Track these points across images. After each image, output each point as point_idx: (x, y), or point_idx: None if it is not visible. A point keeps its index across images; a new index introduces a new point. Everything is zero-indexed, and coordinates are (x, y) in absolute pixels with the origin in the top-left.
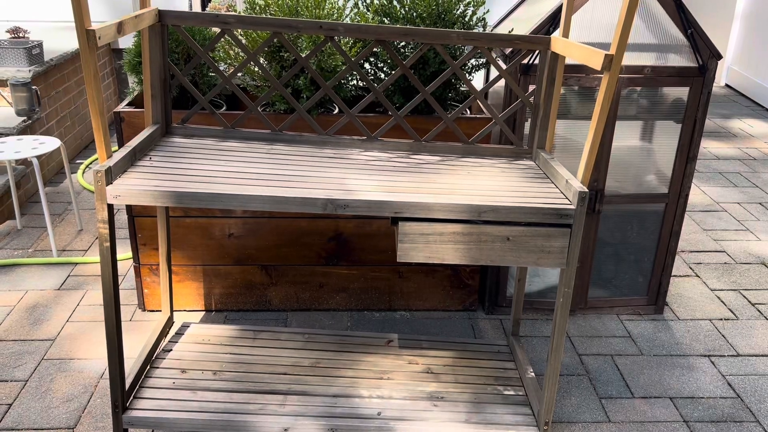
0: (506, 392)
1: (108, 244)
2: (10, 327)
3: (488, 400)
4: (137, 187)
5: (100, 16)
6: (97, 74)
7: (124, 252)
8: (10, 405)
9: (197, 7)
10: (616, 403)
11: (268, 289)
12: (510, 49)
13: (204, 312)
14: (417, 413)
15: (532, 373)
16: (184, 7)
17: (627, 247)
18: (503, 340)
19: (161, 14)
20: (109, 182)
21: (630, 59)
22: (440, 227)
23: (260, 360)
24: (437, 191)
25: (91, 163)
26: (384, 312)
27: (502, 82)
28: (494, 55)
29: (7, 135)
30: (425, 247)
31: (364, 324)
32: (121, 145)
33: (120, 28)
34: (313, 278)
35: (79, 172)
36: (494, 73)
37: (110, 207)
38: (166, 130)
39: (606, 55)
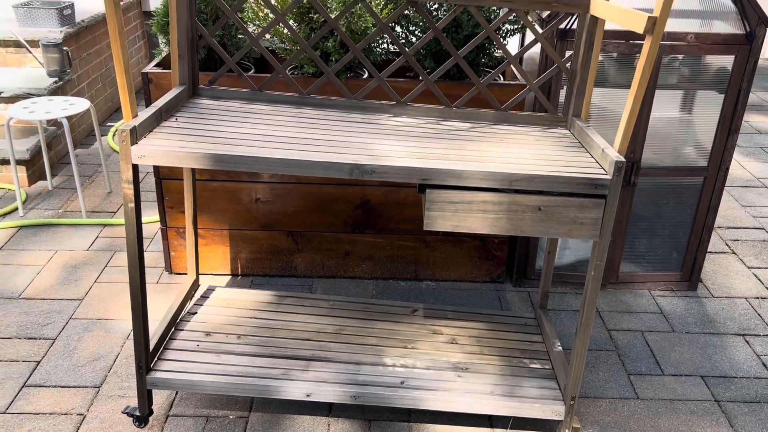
0: (532, 365)
1: (133, 204)
2: (40, 286)
3: (514, 373)
4: (162, 148)
5: None
6: (123, 31)
7: (152, 215)
8: (39, 362)
9: None
10: (645, 379)
11: (294, 255)
12: (547, 13)
13: (230, 276)
14: (441, 383)
15: (560, 347)
16: None
17: (662, 221)
18: (531, 312)
19: None
20: (134, 142)
21: (673, 25)
22: (469, 195)
23: (284, 325)
24: (467, 159)
25: None
26: (410, 281)
27: (537, 48)
28: (530, 19)
29: (38, 96)
30: (453, 216)
31: (389, 293)
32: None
33: None
34: (339, 245)
35: (110, 134)
36: (530, 37)
37: (135, 167)
38: (193, 91)
39: (649, 17)
